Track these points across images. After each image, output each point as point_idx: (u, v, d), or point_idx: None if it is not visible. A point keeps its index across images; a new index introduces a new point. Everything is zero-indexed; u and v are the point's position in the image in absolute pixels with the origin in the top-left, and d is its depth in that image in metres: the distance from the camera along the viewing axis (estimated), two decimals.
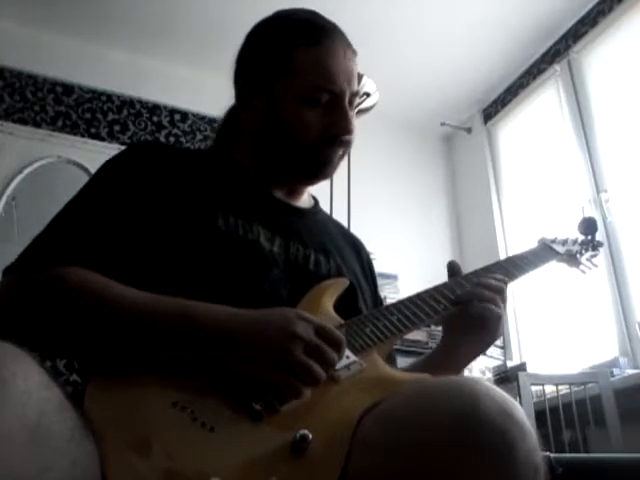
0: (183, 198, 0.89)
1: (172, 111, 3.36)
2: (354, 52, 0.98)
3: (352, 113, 0.96)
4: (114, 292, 0.76)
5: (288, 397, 0.70)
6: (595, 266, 1.31)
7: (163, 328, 0.73)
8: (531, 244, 1.23)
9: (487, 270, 1.04)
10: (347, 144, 0.97)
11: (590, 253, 1.30)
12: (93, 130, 3.15)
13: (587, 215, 1.38)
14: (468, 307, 0.94)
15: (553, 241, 1.24)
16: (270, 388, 0.70)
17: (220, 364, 0.71)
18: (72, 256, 0.80)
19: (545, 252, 1.19)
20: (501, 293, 0.96)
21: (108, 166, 0.93)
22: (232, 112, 1.07)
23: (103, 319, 0.74)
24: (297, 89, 0.93)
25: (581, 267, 1.28)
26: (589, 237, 1.31)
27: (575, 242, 1.28)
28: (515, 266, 1.08)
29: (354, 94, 0.96)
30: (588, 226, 1.33)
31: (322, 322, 0.75)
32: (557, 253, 1.21)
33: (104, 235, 0.83)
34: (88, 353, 0.76)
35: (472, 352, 0.99)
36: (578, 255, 1.27)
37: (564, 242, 1.26)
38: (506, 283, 0.99)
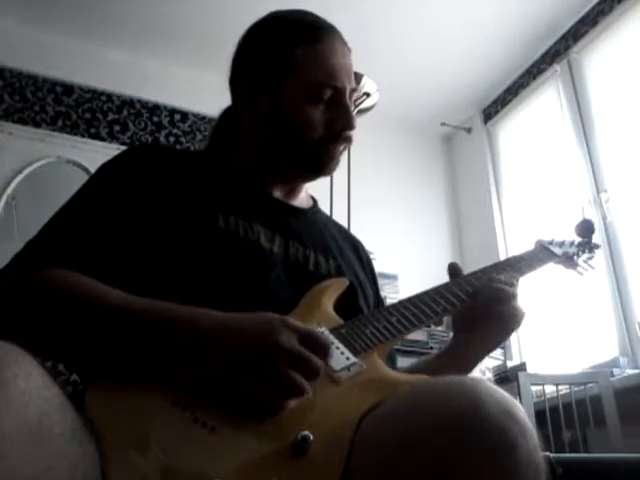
0: (182, 199, 0.89)
1: (172, 111, 3.36)
2: (349, 49, 1.00)
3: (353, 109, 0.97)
4: (98, 294, 0.75)
5: (272, 409, 0.69)
6: (592, 268, 1.30)
7: (143, 333, 0.71)
8: (531, 244, 1.23)
9: (485, 272, 1.03)
10: (349, 139, 0.98)
11: (587, 255, 1.30)
12: (93, 130, 3.15)
13: (584, 217, 1.37)
14: (485, 302, 0.95)
15: (550, 243, 1.23)
16: (254, 399, 0.69)
17: (202, 374, 0.69)
18: (62, 258, 0.79)
19: (542, 254, 1.19)
20: (515, 288, 0.97)
21: (104, 169, 0.92)
22: (228, 113, 1.07)
23: (85, 320, 0.73)
24: (301, 87, 0.94)
25: (578, 269, 1.28)
26: (586, 239, 1.31)
27: (572, 244, 1.28)
28: (513, 268, 1.07)
29: (353, 90, 0.98)
30: (585, 228, 1.32)
31: (307, 328, 0.72)
32: (554, 255, 1.20)
33: (97, 237, 0.83)
34: (74, 355, 0.75)
35: (482, 351, 0.98)
36: (575, 257, 1.27)
37: (561, 244, 1.25)
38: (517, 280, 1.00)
